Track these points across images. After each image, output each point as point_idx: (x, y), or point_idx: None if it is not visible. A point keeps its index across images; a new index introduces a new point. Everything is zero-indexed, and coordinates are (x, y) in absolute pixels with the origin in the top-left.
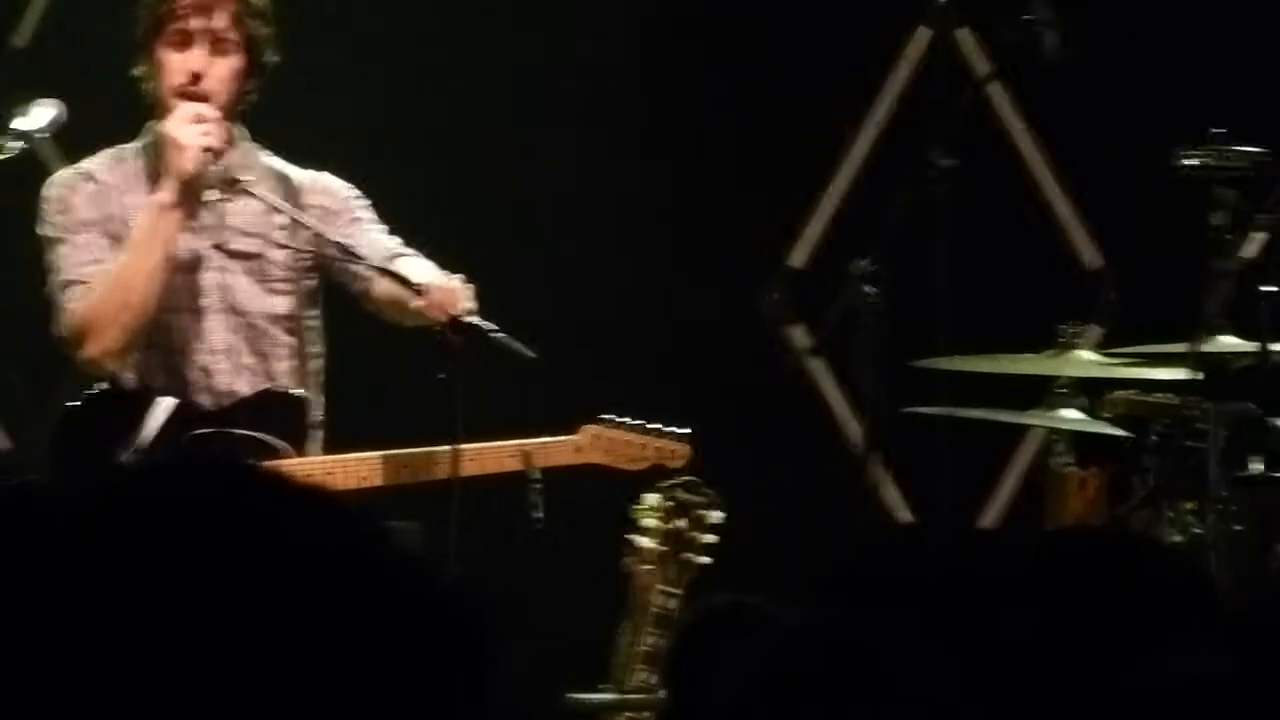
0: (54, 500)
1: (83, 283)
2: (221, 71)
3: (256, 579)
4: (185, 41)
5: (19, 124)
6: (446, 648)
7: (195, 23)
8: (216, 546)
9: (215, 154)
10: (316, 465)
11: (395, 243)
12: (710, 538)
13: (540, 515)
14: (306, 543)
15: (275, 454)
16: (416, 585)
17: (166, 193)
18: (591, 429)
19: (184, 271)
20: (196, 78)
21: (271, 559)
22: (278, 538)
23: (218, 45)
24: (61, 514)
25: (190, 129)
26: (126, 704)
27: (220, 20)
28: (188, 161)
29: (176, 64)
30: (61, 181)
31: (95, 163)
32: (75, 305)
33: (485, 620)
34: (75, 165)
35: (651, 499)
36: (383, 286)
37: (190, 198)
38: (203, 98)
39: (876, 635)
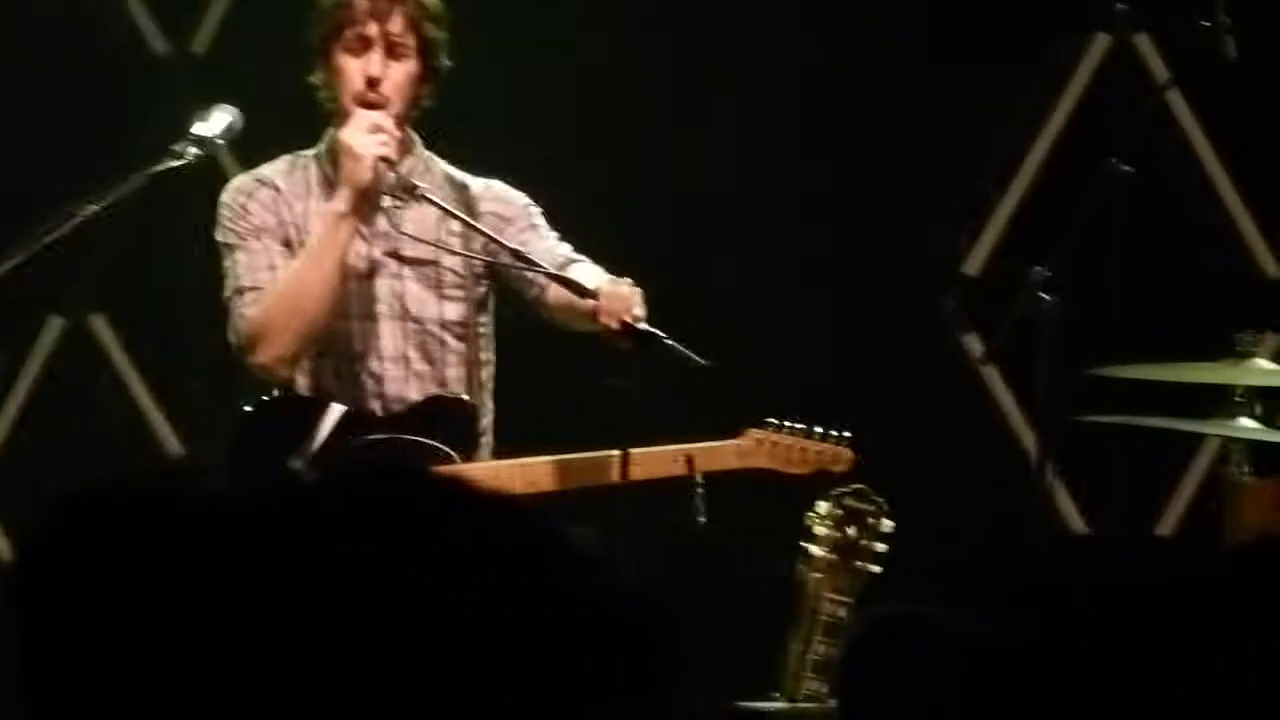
0: (234, 506)
1: (256, 289)
2: (398, 76)
3: (434, 583)
4: (362, 47)
5: (197, 130)
6: (626, 648)
7: (372, 28)
8: (394, 550)
9: (390, 163)
10: (488, 470)
11: (567, 249)
12: (881, 546)
13: (703, 519)
14: (484, 545)
15: (444, 460)
16: (595, 587)
17: (341, 201)
18: (755, 433)
19: (357, 278)
20: (374, 83)
21: (449, 562)
22: (455, 541)
23: (394, 50)
24: (241, 519)
25: (366, 138)
26: (305, 706)
27: (396, 24)
28: (363, 171)
29: (353, 70)
30: (238, 187)
31: (271, 168)
32: (248, 311)
33: (663, 622)
34: (252, 171)
35: (823, 507)
36: (555, 293)
37: (364, 207)
38: (380, 104)
39: (1061, 648)
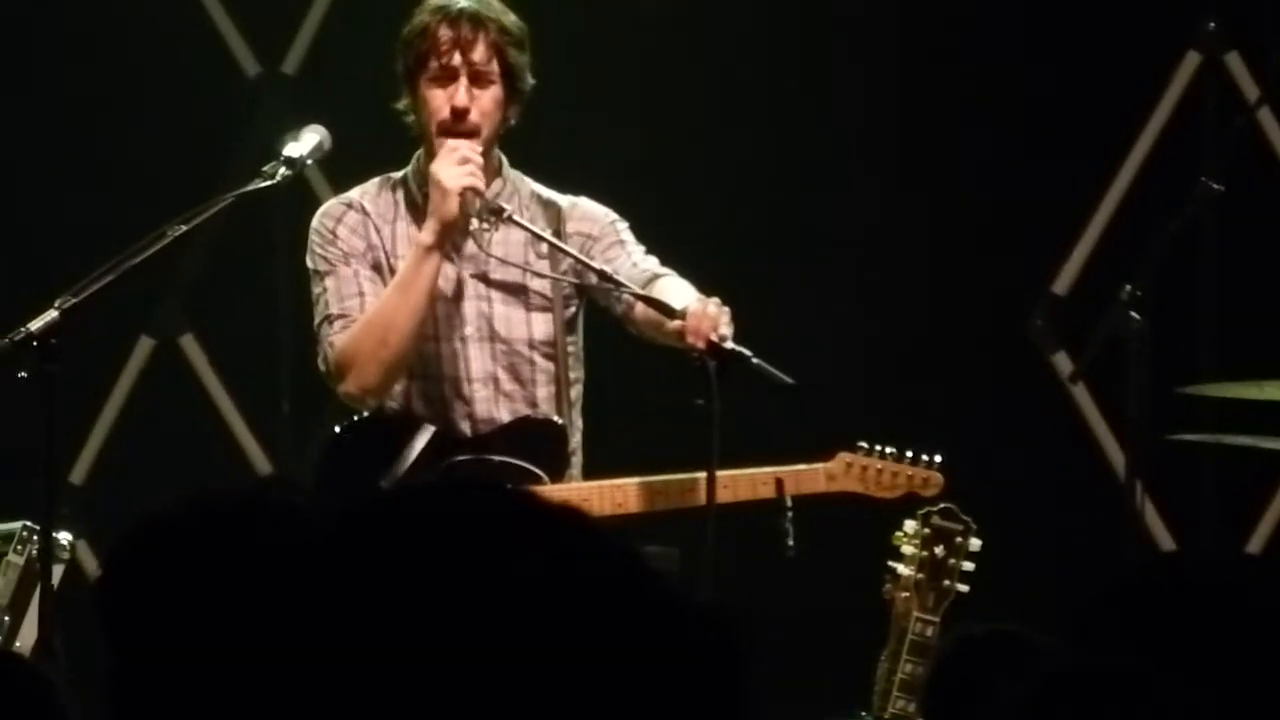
0: (314, 522)
1: (344, 316)
2: (485, 104)
3: (507, 602)
4: (447, 77)
5: (288, 150)
6: (701, 668)
7: (455, 58)
8: (470, 567)
9: (478, 193)
10: (574, 491)
11: (654, 263)
12: (968, 565)
13: (792, 543)
14: (558, 566)
15: (533, 480)
16: (672, 608)
17: (428, 234)
18: (845, 456)
19: (446, 301)
20: (461, 113)
21: (523, 582)
22: (529, 561)
23: (479, 78)
24: (320, 535)
25: (454, 170)
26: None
27: (480, 54)
28: (451, 204)
29: (440, 100)
30: (326, 212)
31: (360, 191)
32: (337, 340)
33: (739, 642)
34: (341, 196)
35: (910, 526)
36: (642, 310)
37: (452, 238)
38: (468, 133)
39: (1152, 672)
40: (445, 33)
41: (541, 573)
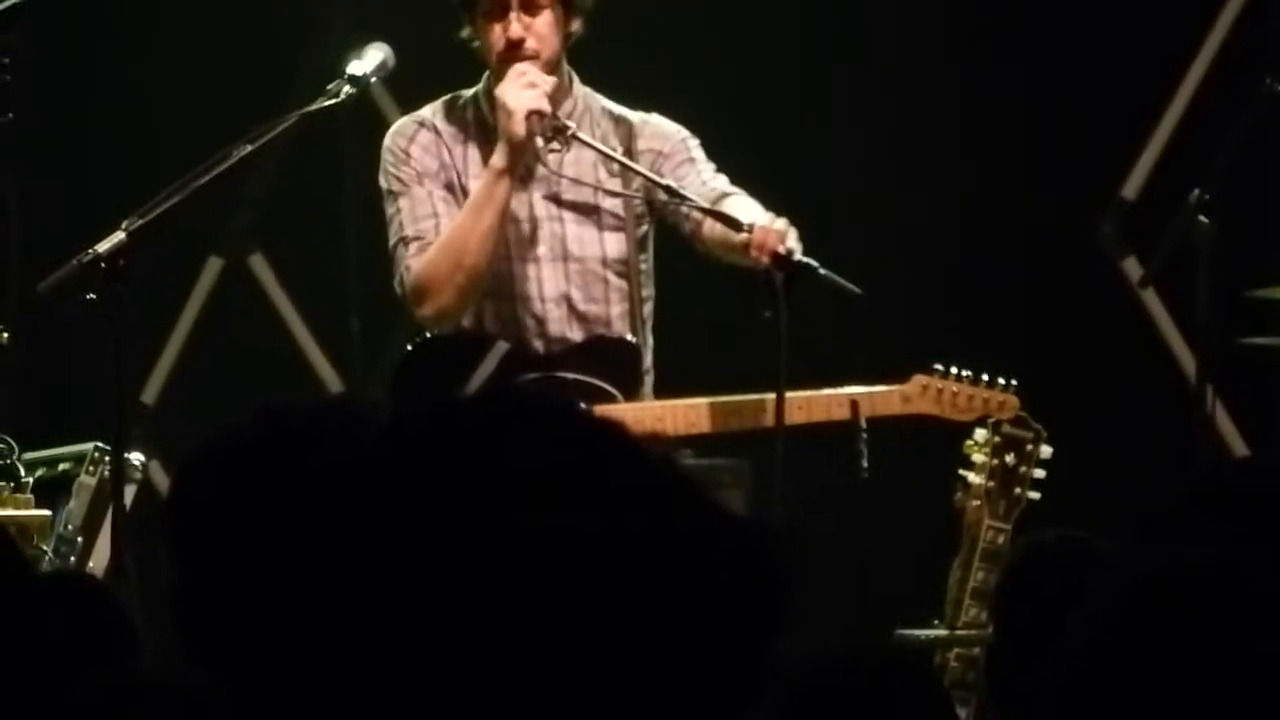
0: (387, 424)
1: (420, 239)
2: (541, 29)
3: (554, 508)
4: (500, 8)
5: (352, 68)
6: (739, 579)
7: None
8: (508, 475)
9: (544, 116)
10: (647, 411)
11: (723, 181)
12: (1039, 473)
13: (866, 465)
14: (599, 478)
15: (606, 398)
16: (711, 525)
17: (499, 157)
18: (921, 379)
19: (519, 221)
20: (516, 43)
21: (571, 492)
22: (579, 473)
23: (529, 6)
24: (392, 436)
25: (519, 94)
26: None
27: None
28: (518, 126)
29: (496, 33)
30: (399, 130)
31: (431, 110)
32: (412, 262)
33: (778, 553)
34: (412, 114)
35: (981, 435)
36: (710, 227)
37: (522, 161)
38: (529, 58)
39: (1224, 570)
40: None
41: (576, 481)
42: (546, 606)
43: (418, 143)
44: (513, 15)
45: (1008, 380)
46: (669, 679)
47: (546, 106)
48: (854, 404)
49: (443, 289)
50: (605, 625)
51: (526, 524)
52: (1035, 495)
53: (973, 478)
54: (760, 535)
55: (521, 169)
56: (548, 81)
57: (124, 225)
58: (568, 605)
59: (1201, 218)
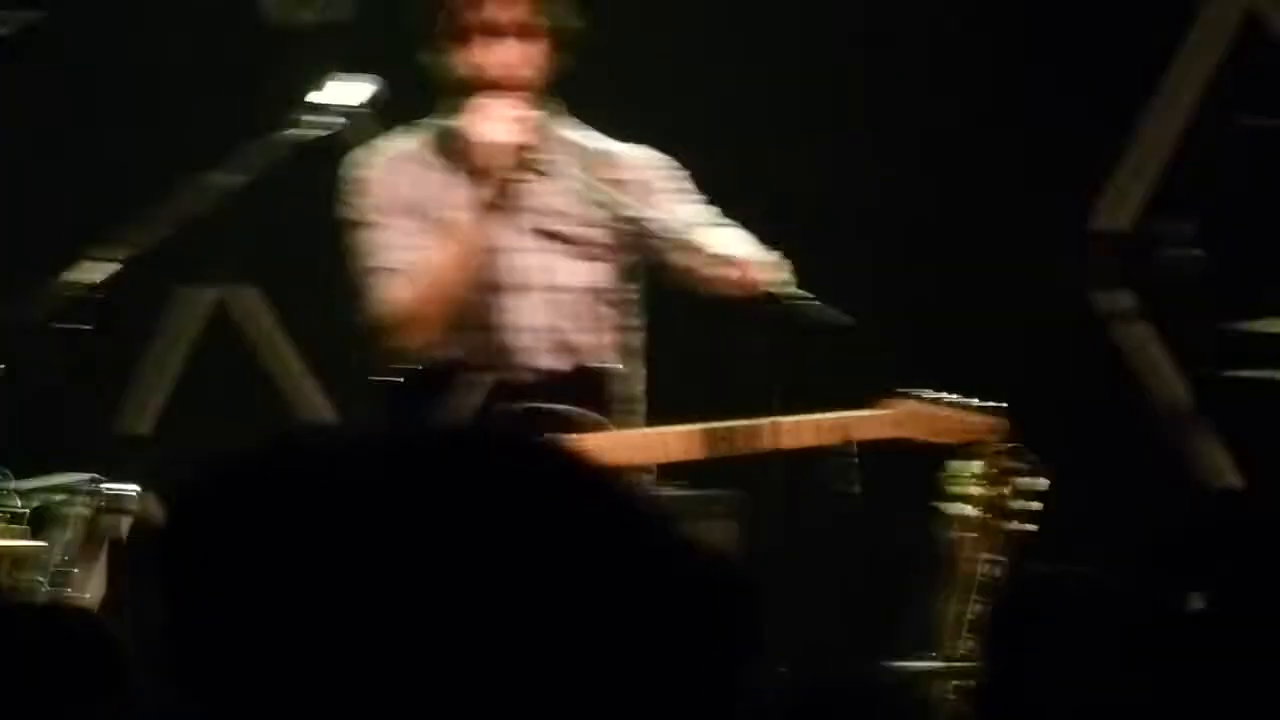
0: (344, 453)
1: (389, 269)
2: (533, 58)
3: (513, 543)
4: (493, 33)
5: (339, 100)
6: (696, 626)
7: (501, 14)
8: (475, 508)
9: (531, 148)
10: (636, 438)
11: (711, 213)
12: (1033, 504)
13: (856, 488)
14: (570, 512)
15: (591, 427)
16: (672, 557)
17: (483, 191)
18: (909, 403)
19: (503, 251)
20: (508, 70)
21: (531, 525)
22: (535, 504)
23: (524, 32)
24: (366, 475)
25: (503, 128)
26: (424, 660)
27: (523, 9)
28: (504, 160)
29: (483, 57)
30: (357, 161)
31: (389, 140)
32: (391, 295)
33: (737, 604)
34: (369, 144)
35: (974, 466)
36: (695, 258)
37: (506, 195)
38: (517, 87)
39: (1217, 603)
40: None
41: (541, 515)
42: (522, 637)
43: (377, 170)
44: (508, 41)
45: (991, 404)
46: (634, 710)
47: (533, 139)
48: (841, 428)
49: (428, 322)
50: (572, 655)
51: (494, 557)
52: (1031, 528)
53: (966, 509)
54: (721, 566)
55: (504, 199)
56: (531, 115)
57: (115, 256)
58: (538, 637)
59: (1190, 249)
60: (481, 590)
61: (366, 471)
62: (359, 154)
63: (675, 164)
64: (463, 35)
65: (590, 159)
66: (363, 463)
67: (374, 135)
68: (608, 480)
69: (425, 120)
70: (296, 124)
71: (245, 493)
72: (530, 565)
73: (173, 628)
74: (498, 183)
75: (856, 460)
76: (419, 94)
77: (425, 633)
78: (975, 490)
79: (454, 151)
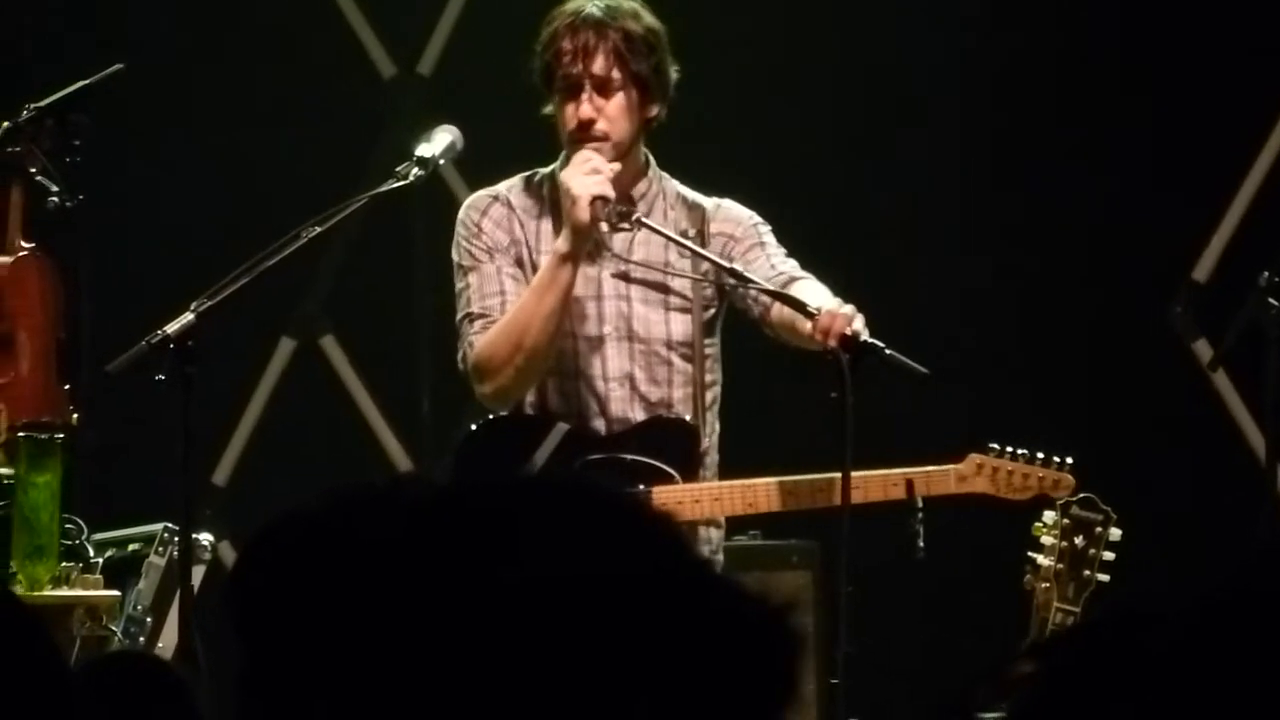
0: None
1: (485, 316)
2: (612, 112)
3: (557, 592)
4: (573, 88)
5: (420, 151)
6: (741, 663)
7: (576, 69)
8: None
9: (606, 201)
10: (706, 490)
11: (792, 266)
12: (1108, 554)
13: (923, 545)
14: (619, 561)
15: (666, 479)
16: (716, 603)
17: (562, 241)
18: (976, 458)
19: (586, 300)
20: (586, 124)
21: (572, 574)
22: (583, 554)
23: (602, 87)
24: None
25: (583, 180)
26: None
27: (599, 64)
28: (581, 213)
29: (568, 112)
30: (473, 204)
31: (506, 185)
32: (475, 339)
33: (779, 652)
34: (488, 189)
35: (1049, 516)
36: (778, 311)
37: (585, 246)
38: (599, 139)
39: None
40: (567, 44)
41: (584, 566)
42: (575, 685)
43: (490, 217)
44: (585, 96)
45: (1063, 459)
46: None
47: (610, 192)
48: (909, 484)
49: (501, 369)
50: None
51: (550, 607)
52: (1104, 578)
53: (1042, 560)
54: (763, 612)
55: (588, 250)
56: (611, 167)
57: (193, 306)
58: (569, 679)
59: (1271, 300)
60: (535, 638)
61: (428, 523)
62: (473, 196)
63: (759, 218)
64: (550, 90)
65: (677, 211)
66: (425, 515)
67: (457, 185)
68: (661, 529)
69: (543, 169)
70: (400, 176)
71: (315, 542)
72: (587, 615)
73: (245, 675)
74: (576, 234)
75: (922, 516)
76: (507, 144)
77: (483, 685)
78: (1050, 540)
79: (551, 200)
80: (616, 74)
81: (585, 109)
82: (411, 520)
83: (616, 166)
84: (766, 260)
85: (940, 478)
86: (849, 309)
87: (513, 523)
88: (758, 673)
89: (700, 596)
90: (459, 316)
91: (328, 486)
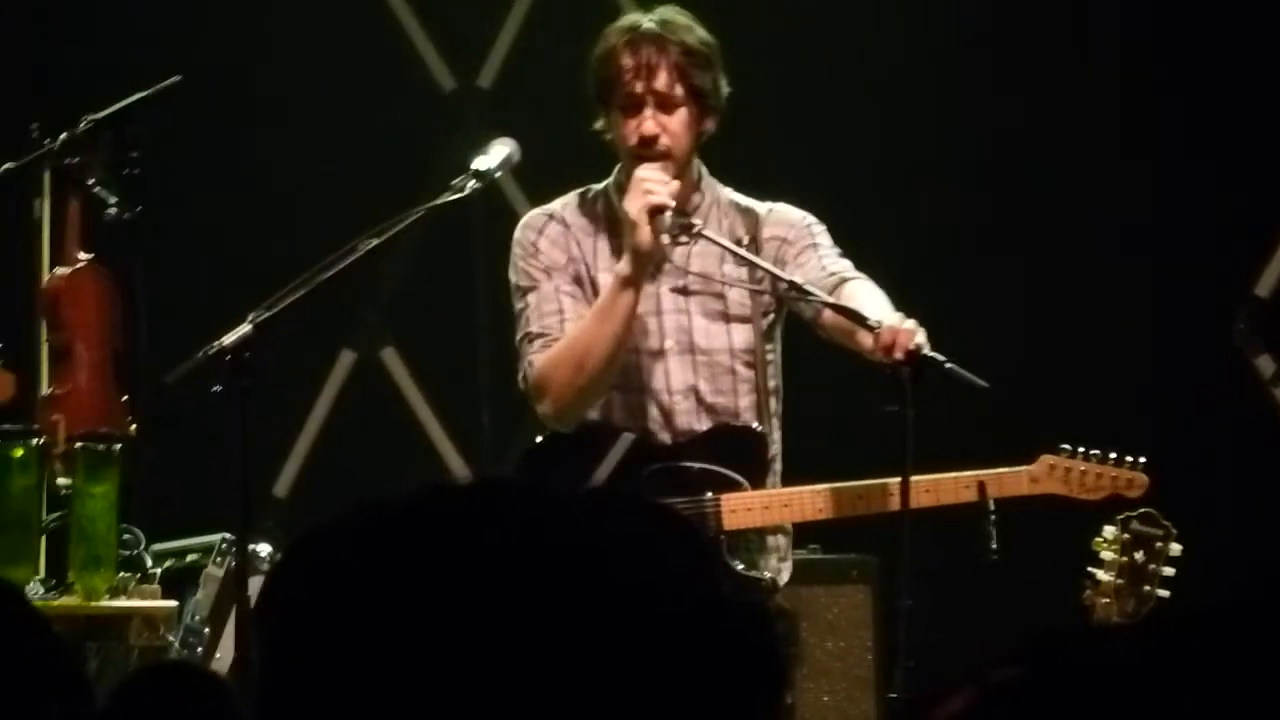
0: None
1: (544, 335)
2: (674, 127)
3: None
4: (634, 105)
5: (477, 164)
6: (730, 665)
7: (639, 86)
8: (571, 571)
9: (663, 209)
10: (772, 497)
11: (846, 266)
12: (1168, 570)
13: (995, 546)
14: (639, 567)
15: (733, 486)
16: (707, 606)
17: (625, 265)
18: (1048, 458)
19: (646, 314)
20: (650, 140)
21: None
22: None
23: (665, 104)
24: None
25: (640, 201)
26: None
27: (663, 80)
28: (643, 237)
29: (629, 128)
30: (528, 224)
31: (562, 203)
32: (535, 359)
33: (770, 642)
34: (543, 206)
35: (1110, 531)
36: (832, 316)
37: (648, 269)
38: (660, 156)
39: None
40: (628, 61)
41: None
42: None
43: (546, 235)
44: (648, 112)
45: (1135, 459)
46: None
47: (668, 201)
48: (981, 486)
49: (563, 390)
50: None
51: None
52: (1165, 593)
53: (1102, 575)
54: (753, 615)
55: (647, 280)
56: (670, 184)
57: (250, 317)
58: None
59: None
60: (556, 646)
61: (466, 533)
62: (528, 215)
63: (813, 218)
64: (610, 104)
65: (731, 218)
66: (465, 525)
67: (516, 198)
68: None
69: (597, 185)
70: (457, 189)
71: (347, 556)
72: (611, 623)
73: (264, 685)
74: (638, 257)
75: (994, 518)
76: (566, 157)
77: (505, 691)
78: (1110, 555)
79: (607, 217)
80: (679, 90)
81: (649, 125)
82: (438, 531)
83: (675, 183)
84: (818, 261)
85: (1013, 479)
86: (910, 324)
87: (539, 532)
88: (740, 681)
89: (699, 608)
90: (518, 336)
91: (387, 496)
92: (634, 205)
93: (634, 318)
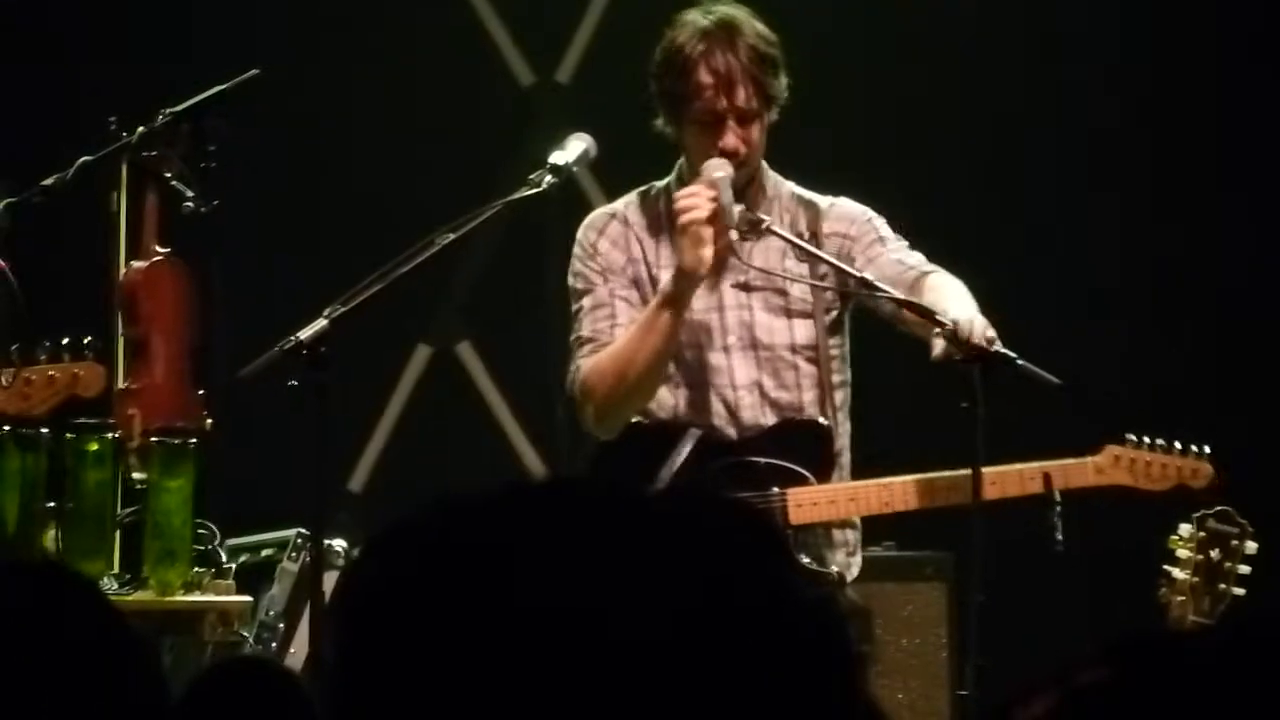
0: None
1: (594, 340)
2: (754, 138)
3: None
4: (714, 122)
5: (554, 158)
6: (806, 661)
7: (721, 103)
8: (640, 569)
9: (703, 221)
10: (841, 490)
11: (918, 258)
12: (1244, 568)
13: (1061, 538)
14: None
15: (800, 481)
16: (781, 602)
17: (669, 283)
18: (1113, 449)
19: (709, 311)
20: (733, 155)
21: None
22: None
23: (743, 118)
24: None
25: (683, 221)
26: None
27: (741, 95)
28: (690, 257)
29: (705, 141)
30: (590, 224)
31: (624, 202)
32: (583, 363)
33: (845, 640)
34: (605, 206)
35: (1185, 529)
36: (902, 314)
37: (692, 291)
38: (736, 167)
39: None
40: (706, 78)
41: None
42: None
43: (607, 236)
44: (729, 127)
45: (1200, 448)
46: None
47: (705, 214)
48: (1047, 477)
49: (604, 399)
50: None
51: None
52: (1240, 591)
53: (1177, 573)
54: (828, 613)
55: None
56: (708, 191)
57: (326, 312)
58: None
59: None
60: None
61: (546, 533)
62: (591, 216)
63: (871, 211)
64: (683, 119)
65: (793, 211)
66: (544, 525)
67: (593, 192)
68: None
69: (658, 182)
70: (534, 184)
71: (426, 551)
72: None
73: (337, 676)
74: (684, 275)
75: (1060, 509)
76: (644, 151)
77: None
78: (1185, 554)
79: (668, 214)
80: (755, 102)
81: (731, 141)
82: (518, 530)
83: (714, 191)
84: (890, 255)
85: (1078, 470)
86: (980, 322)
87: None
88: (816, 677)
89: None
90: (572, 338)
91: (439, 493)
92: (680, 226)
93: (677, 335)
